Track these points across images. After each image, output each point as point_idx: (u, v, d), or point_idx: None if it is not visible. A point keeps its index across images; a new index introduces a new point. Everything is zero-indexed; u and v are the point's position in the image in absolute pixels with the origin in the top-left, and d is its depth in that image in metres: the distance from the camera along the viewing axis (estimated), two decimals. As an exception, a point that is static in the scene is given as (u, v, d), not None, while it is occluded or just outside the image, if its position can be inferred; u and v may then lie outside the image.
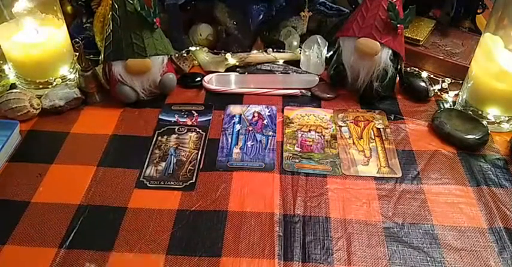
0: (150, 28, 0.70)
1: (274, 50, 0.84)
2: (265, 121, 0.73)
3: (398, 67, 0.75)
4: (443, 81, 0.79)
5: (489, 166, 0.65)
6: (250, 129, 0.71)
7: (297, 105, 0.76)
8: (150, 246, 0.54)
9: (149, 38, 0.70)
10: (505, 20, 0.66)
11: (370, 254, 0.53)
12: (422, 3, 0.84)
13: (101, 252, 0.53)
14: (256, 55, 0.84)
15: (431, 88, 0.77)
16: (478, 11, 0.89)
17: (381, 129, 0.71)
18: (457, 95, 0.77)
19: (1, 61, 0.79)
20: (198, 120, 0.73)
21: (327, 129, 0.71)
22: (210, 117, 0.74)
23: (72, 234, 0.55)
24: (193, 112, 0.75)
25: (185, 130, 0.71)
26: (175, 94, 0.78)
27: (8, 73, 0.79)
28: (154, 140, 0.69)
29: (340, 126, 0.72)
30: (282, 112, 0.75)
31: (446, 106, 0.76)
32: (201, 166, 0.64)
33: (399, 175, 0.64)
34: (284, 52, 0.84)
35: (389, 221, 0.57)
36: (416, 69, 0.81)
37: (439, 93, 0.79)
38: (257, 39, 0.87)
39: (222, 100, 0.77)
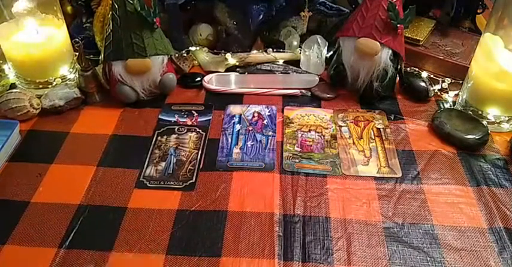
0: (150, 28, 0.70)
1: (274, 50, 0.84)
2: (265, 121, 0.73)
3: (398, 67, 0.75)
4: (443, 81, 0.79)
5: (489, 166, 0.65)
6: (250, 128, 0.71)
7: (297, 105, 0.76)
8: (150, 246, 0.54)
9: (149, 38, 0.70)
10: (505, 20, 0.66)
11: (370, 254, 0.53)
12: (422, 3, 0.84)
13: (100, 252, 0.53)
14: (256, 55, 0.84)
15: (431, 88, 0.77)
16: (478, 11, 0.89)
17: (381, 129, 0.71)
18: (457, 95, 0.77)
19: (1, 61, 0.79)
20: (198, 120, 0.73)
21: (327, 129, 0.71)
22: (210, 117, 0.74)
23: (72, 234, 0.55)
24: (193, 112, 0.75)
25: (185, 130, 0.71)
26: (175, 94, 0.78)
27: (8, 73, 0.79)
28: (154, 140, 0.69)
29: (340, 126, 0.72)
30: (282, 112, 0.75)
31: (446, 106, 0.76)
32: (201, 166, 0.64)
33: (399, 175, 0.64)
34: (284, 52, 0.84)
35: (389, 221, 0.57)
36: (416, 69, 0.81)
37: (439, 93, 0.79)
38: (257, 39, 0.87)
39: (222, 100, 0.77)
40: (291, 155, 0.66)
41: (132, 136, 0.70)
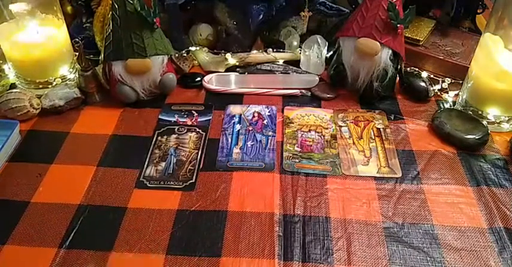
0: (150, 28, 0.70)
1: (274, 50, 0.84)
2: (265, 121, 0.73)
3: (398, 67, 0.75)
4: (443, 81, 0.79)
5: (489, 166, 0.65)
6: (250, 128, 0.71)
7: (297, 105, 0.76)
8: (150, 246, 0.54)
9: (149, 38, 0.70)
10: (505, 20, 0.66)
11: (370, 254, 0.53)
12: (422, 3, 0.84)
13: (100, 252, 0.53)
14: (256, 55, 0.84)
15: (431, 88, 0.77)
16: (478, 11, 0.89)
17: (381, 129, 0.71)
18: (457, 95, 0.77)
19: (1, 61, 0.79)
20: (198, 120, 0.73)
21: (327, 129, 0.71)
22: (210, 117, 0.74)
23: (72, 234, 0.55)
24: (193, 112, 0.75)
25: (185, 130, 0.71)
26: (175, 94, 0.78)
27: (8, 73, 0.79)
28: (154, 140, 0.69)
29: (340, 126, 0.72)
30: (282, 112, 0.75)
31: (446, 106, 0.76)
32: (201, 166, 0.64)
33: (399, 175, 0.64)
34: (284, 52, 0.84)
35: (389, 221, 0.57)
36: (416, 69, 0.81)
37: (439, 93, 0.79)
38: (257, 39, 0.87)
39: (222, 100, 0.77)
40: (291, 155, 0.66)
41: (132, 136, 0.70)
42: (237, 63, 0.83)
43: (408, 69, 0.81)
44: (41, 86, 0.76)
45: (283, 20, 0.86)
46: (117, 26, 0.69)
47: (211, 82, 0.80)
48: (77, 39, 0.74)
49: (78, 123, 0.72)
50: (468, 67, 0.73)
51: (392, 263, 0.52)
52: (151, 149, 0.67)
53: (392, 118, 0.74)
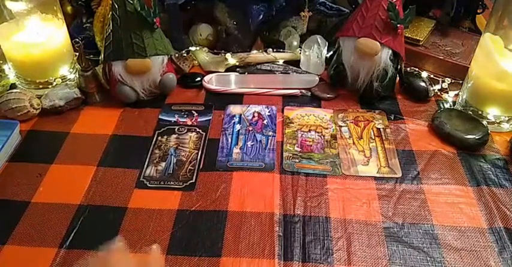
0: (150, 28, 0.70)
1: (274, 50, 0.84)
2: (265, 121, 0.73)
3: (398, 67, 0.75)
4: (443, 81, 0.79)
5: (489, 166, 0.65)
6: (250, 129, 0.71)
7: (297, 105, 0.76)
8: (150, 246, 0.53)
9: (149, 38, 0.70)
10: (505, 20, 0.66)
11: (370, 254, 0.53)
12: (422, 3, 0.84)
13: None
14: (256, 55, 0.84)
15: (431, 88, 0.77)
16: (478, 11, 0.89)
17: (381, 129, 0.71)
18: (457, 95, 0.77)
19: (1, 61, 0.79)
20: (198, 120, 0.73)
21: (327, 129, 0.71)
22: (210, 117, 0.74)
23: (72, 234, 0.55)
24: (193, 112, 0.75)
25: (185, 130, 0.71)
26: (175, 94, 0.78)
27: (8, 73, 0.79)
28: (154, 140, 0.69)
29: (340, 126, 0.72)
30: (282, 112, 0.75)
31: (446, 106, 0.76)
32: (201, 166, 0.64)
33: (399, 175, 0.64)
34: (284, 52, 0.84)
35: (389, 221, 0.57)
36: (416, 69, 0.81)
37: (439, 93, 0.79)
38: (257, 39, 0.87)
39: (222, 100, 0.77)
40: (291, 155, 0.66)
41: (132, 136, 0.70)
42: (237, 63, 0.83)
43: (408, 69, 0.81)
44: (41, 86, 0.76)
45: (283, 20, 0.86)
46: (117, 26, 0.69)
47: (211, 82, 0.80)
48: (77, 39, 0.74)
49: (78, 123, 0.72)
50: (468, 67, 0.73)
51: (392, 263, 0.52)
52: (151, 149, 0.67)
53: (392, 118, 0.74)
